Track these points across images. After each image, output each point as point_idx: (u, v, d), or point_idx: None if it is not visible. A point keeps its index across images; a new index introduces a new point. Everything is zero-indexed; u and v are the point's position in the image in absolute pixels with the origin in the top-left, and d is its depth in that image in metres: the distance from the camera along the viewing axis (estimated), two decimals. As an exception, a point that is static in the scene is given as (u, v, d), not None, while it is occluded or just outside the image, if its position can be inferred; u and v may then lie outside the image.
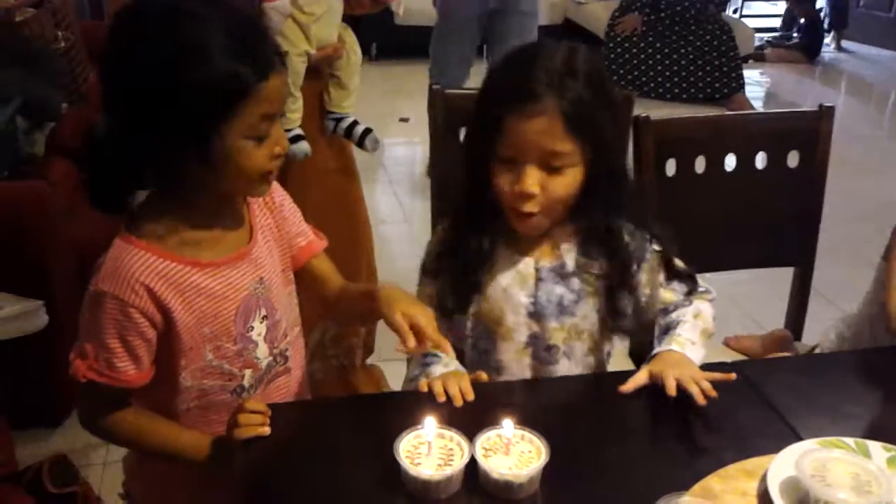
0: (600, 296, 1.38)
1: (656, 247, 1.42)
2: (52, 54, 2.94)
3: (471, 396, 1.23)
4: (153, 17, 1.13)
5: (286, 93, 1.16)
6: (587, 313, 1.39)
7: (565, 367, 1.41)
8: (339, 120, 2.34)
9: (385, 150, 4.91)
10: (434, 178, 1.88)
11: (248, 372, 1.30)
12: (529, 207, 1.28)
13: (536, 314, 1.38)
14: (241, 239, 1.29)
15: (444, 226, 1.44)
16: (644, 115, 1.86)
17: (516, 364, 1.40)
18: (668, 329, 1.37)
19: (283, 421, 1.20)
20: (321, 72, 2.24)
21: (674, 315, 1.39)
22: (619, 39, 6.09)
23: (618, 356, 1.53)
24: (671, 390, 1.21)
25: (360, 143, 2.35)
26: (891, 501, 1.01)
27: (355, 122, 2.35)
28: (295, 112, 2.20)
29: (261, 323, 1.30)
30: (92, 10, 4.66)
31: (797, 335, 2.09)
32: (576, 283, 1.37)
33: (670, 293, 1.43)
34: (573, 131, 1.23)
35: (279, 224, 1.36)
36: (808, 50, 7.00)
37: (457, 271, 1.37)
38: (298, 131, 2.22)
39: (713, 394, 1.20)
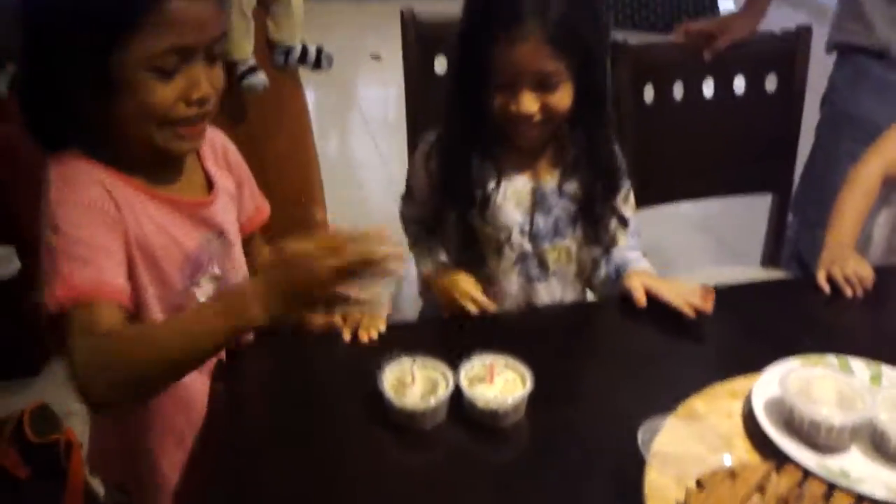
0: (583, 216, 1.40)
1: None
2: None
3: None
4: None
5: (211, 23, 1.02)
6: (577, 236, 1.41)
7: (554, 287, 1.43)
8: (288, 52, 2.32)
9: (358, 91, 4.83)
10: (409, 114, 1.84)
11: None
12: (529, 125, 1.30)
13: (531, 234, 1.39)
14: (196, 192, 1.19)
15: (430, 144, 1.41)
16: (622, 40, 1.82)
17: (504, 278, 1.41)
18: (623, 257, 1.40)
19: (263, 355, 1.19)
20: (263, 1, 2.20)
21: (626, 252, 1.42)
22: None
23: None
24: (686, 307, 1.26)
25: (317, 65, 2.36)
26: (875, 416, 1.02)
27: (305, 48, 2.34)
28: (247, 38, 2.16)
29: (210, 282, 1.19)
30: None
31: (775, 262, 2.10)
32: (569, 205, 1.39)
33: (623, 237, 1.45)
34: (561, 50, 1.24)
35: (238, 186, 1.27)
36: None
37: (456, 187, 1.36)
38: (252, 62, 2.19)
39: (707, 308, 1.25)
